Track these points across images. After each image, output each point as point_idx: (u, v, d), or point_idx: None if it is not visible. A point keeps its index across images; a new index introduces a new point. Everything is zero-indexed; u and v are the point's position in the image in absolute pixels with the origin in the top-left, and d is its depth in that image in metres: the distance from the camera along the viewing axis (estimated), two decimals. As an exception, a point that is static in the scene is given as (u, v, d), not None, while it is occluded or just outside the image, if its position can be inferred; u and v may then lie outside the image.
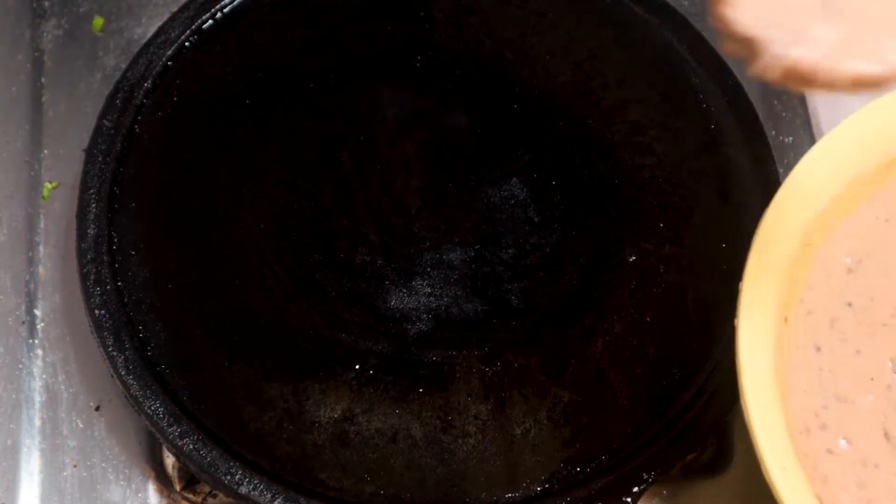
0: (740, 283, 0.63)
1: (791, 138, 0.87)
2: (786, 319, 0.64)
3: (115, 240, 0.75)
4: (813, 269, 0.67)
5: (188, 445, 0.68)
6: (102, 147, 0.77)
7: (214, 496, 0.74)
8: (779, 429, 0.59)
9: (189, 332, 0.72)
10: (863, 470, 0.61)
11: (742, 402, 0.60)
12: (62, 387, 0.76)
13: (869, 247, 0.68)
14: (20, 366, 0.77)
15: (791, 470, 0.58)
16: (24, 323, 0.78)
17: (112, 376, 0.71)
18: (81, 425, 0.75)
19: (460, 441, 0.70)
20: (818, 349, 0.65)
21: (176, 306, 0.73)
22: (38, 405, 0.76)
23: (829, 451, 0.62)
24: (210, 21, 0.83)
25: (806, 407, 0.63)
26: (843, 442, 0.62)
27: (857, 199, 0.68)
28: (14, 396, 0.76)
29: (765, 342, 0.61)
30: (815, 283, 0.66)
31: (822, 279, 0.67)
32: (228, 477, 0.67)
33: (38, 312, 0.79)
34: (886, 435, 0.62)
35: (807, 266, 0.66)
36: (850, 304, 0.66)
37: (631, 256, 0.76)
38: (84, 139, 0.79)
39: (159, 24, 0.83)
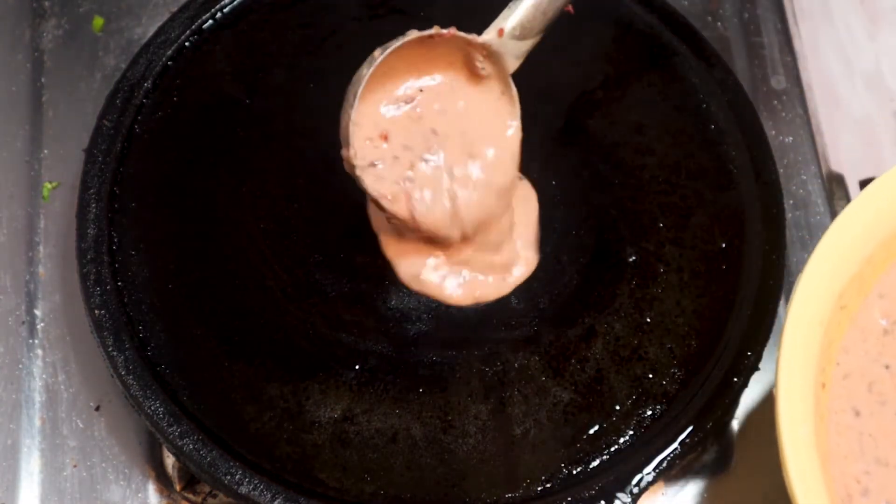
0: (778, 352, 0.62)
1: (791, 138, 0.87)
2: (823, 385, 0.64)
3: (115, 240, 0.75)
4: (848, 332, 0.66)
5: (188, 445, 0.68)
6: (102, 147, 0.77)
7: (214, 496, 0.74)
8: (821, 498, 0.58)
9: (189, 332, 0.72)
10: None
11: (784, 472, 0.59)
12: (62, 387, 0.76)
13: None
14: (20, 366, 0.77)
15: None
16: (24, 323, 0.78)
17: (112, 376, 0.71)
18: (81, 425, 0.75)
19: (460, 441, 0.70)
20: (857, 413, 0.64)
21: (176, 306, 0.73)
22: (38, 405, 0.76)
23: None
24: (210, 21, 0.83)
25: (847, 473, 0.63)
26: None
27: (889, 259, 0.68)
28: (14, 396, 0.76)
29: (804, 410, 0.61)
30: (851, 345, 0.66)
31: (857, 342, 0.66)
32: (228, 477, 0.67)
33: (38, 312, 0.79)
34: None
35: (841, 329, 0.66)
36: (887, 367, 0.66)
37: (631, 256, 0.76)
38: (84, 139, 0.79)
39: (159, 24, 0.83)
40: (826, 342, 0.64)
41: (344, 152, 0.71)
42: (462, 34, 0.71)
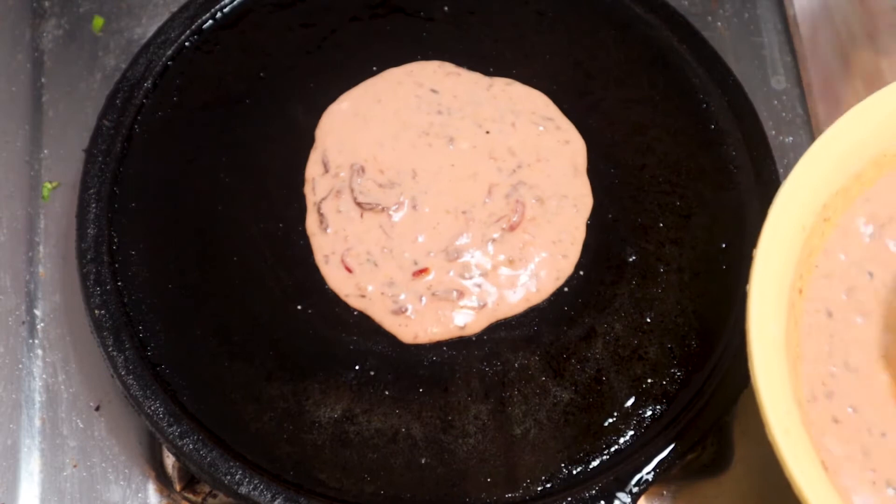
0: (754, 250, 0.61)
1: (791, 138, 0.87)
2: (800, 291, 0.63)
3: (115, 240, 0.75)
4: (831, 236, 0.66)
5: (188, 445, 0.68)
6: (102, 147, 0.77)
7: (214, 496, 0.74)
8: (785, 395, 0.58)
9: (189, 332, 0.72)
10: (868, 438, 0.61)
11: (750, 368, 0.59)
12: (62, 387, 0.76)
13: (891, 212, 0.66)
14: (20, 366, 0.77)
15: (795, 433, 0.58)
16: (24, 323, 0.78)
17: (112, 376, 0.71)
18: (81, 425, 0.75)
19: (460, 441, 0.70)
20: (830, 314, 0.64)
21: (176, 306, 0.73)
22: (38, 405, 0.76)
23: (835, 420, 0.61)
24: (210, 21, 0.83)
25: (813, 374, 0.62)
26: (849, 410, 0.62)
27: (878, 176, 0.67)
28: (14, 396, 0.76)
29: (776, 310, 0.60)
30: (832, 248, 0.65)
31: (839, 246, 0.65)
32: (228, 477, 0.67)
33: (38, 312, 0.79)
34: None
35: (824, 237, 0.65)
36: (870, 274, 0.65)
37: (631, 256, 0.76)
38: (84, 139, 0.79)
39: (159, 24, 0.83)
40: (807, 249, 0.63)
41: None
42: None
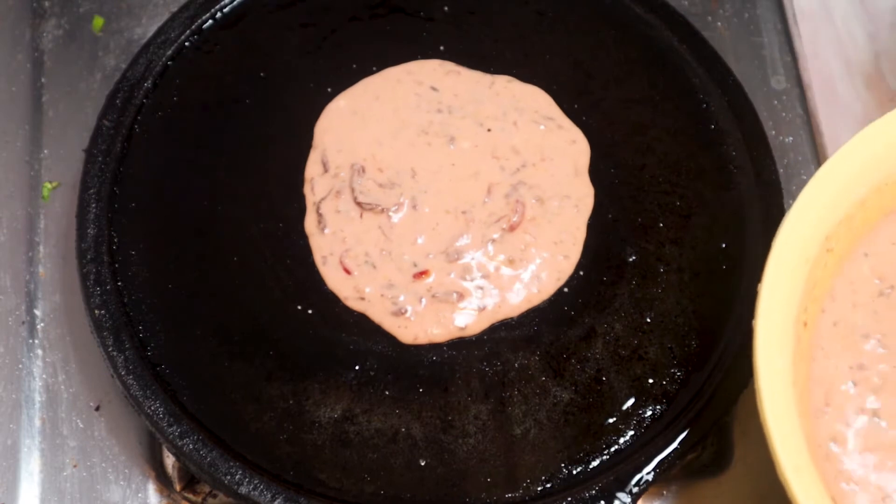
0: (759, 284, 0.62)
1: (791, 138, 0.87)
2: (805, 324, 0.63)
3: (115, 240, 0.75)
4: (836, 281, 0.66)
5: (188, 445, 0.68)
6: (102, 147, 0.77)
7: (214, 496, 0.74)
8: (794, 430, 0.58)
9: (189, 332, 0.72)
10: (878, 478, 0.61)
11: (758, 402, 0.58)
12: (62, 387, 0.76)
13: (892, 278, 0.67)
14: (20, 366, 0.77)
15: (805, 471, 0.58)
16: (24, 323, 0.78)
17: (112, 376, 0.71)
18: (81, 425, 0.75)
19: (460, 441, 0.70)
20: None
21: (176, 306, 0.73)
22: (38, 405, 0.76)
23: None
24: (210, 21, 0.83)
25: (826, 427, 0.62)
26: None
27: (882, 209, 0.67)
28: (14, 396, 0.76)
29: (782, 342, 0.60)
30: (839, 295, 0.66)
31: (847, 293, 0.66)
32: (228, 477, 0.67)
33: (38, 312, 0.79)
34: None
35: (828, 271, 0.65)
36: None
37: (631, 256, 0.76)
38: (84, 139, 0.79)
39: (159, 24, 0.83)
40: (811, 281, 0.63)
41: None
42: None
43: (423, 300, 0.73)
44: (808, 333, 0.64)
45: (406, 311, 0.73)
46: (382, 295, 0.73)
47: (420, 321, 0.73)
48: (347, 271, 0.74)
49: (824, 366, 0.64)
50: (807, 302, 0.63)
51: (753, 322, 0.61)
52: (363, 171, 0.77)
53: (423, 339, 0.72)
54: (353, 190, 0.77)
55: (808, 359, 0.64)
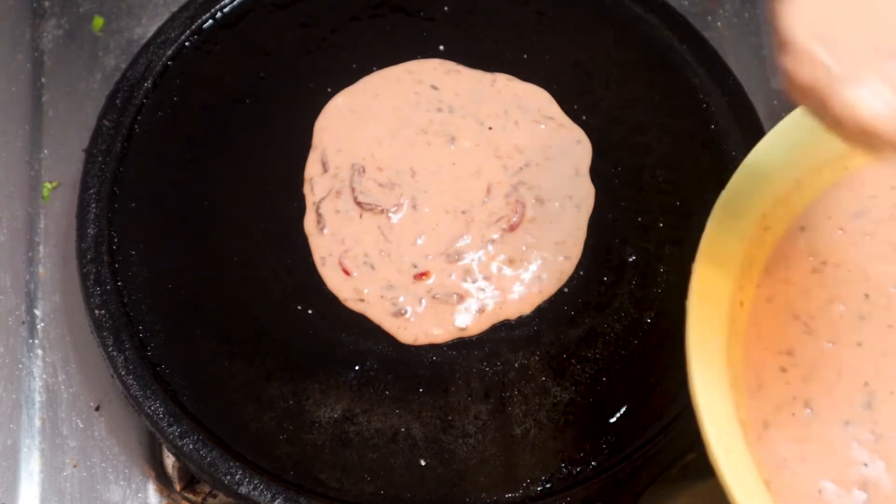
0: (692, 264, 0.60)
1: (791, 138, 0.87)
2: (741, 303, 0.63)
3: (115, 240, 0.75)
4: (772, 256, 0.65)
5: (188, 445, 0.68)
6: (102, 147, 0.77)
7: (214, 496, 0.74)
8: (728, 414, 0.58)
9: (189, 332, 0.72)
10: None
11: (690, 385, 0.57)
12: (62, 387, 0.76)
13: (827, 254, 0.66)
14: (20, 366, 0.77)
15: (736, 453, 0.57)
16: (24, 323, 0.78)
17: (112, 376, 0.71)
18: (81, 425, 0.75)
19: (460, 441, 0.70)
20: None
21: (176, 306, 0.73)
22: (38, 405, 0.76)
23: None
24: (210, 21, 0.83)
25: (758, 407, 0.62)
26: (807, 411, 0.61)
27: (820, 189, 0.66)
28: (14, 396, 0.76)
29: (717, 324, 0.59)
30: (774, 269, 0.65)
31: (781, 269, 0.65)
32: (228, 477, 0.67)
33: (38, 312, 0.79)
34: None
35: (765, 247, 0.64)
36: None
37: (631, 256, 0.76)
38: (84, 139, 0.79)
39: (159, 24, 0.83)
40: (747, 260, 0.63)
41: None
42: None
43: (424, 301, 0.73)
44: (745, 312, 0.63)
45: (406, 311, 0.73)
46: (382, 296, 0.73)
47: (420, 322, 0.73)
48: (347, 272, 0.74)
49: (756, 346, 0.63)
50: (743, 281, 0.63)
51: (686, 301, 0.59)
52: (363, 171, 0.77)
53: (423, 339, 0.72)
54: (353, 190, 0.77)
55: (742, 338, 0.63)
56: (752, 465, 0.57)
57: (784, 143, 0.65)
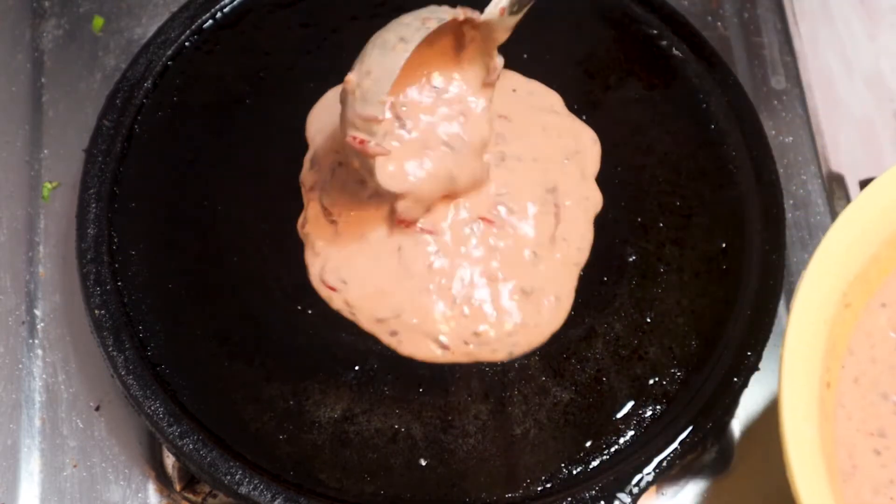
0: (781, 349, 0.61)
1: (791, 138, 0.87)
2: (828, 385, 0.63)
3: (115, 240, 0.75)
4: (854, 335, 0.65)
5: (188, 445, 0.68)
6: (102, 147, 0.77)
7: (214, 496, 0.74)
8: (827, 497, 0.58)
9: (189, 332, 0.72)
10: None
11: (788, 472, 0.58)
12: (62, 387, 0.76)
13: None
14: (20, 366, 0.77)
15: None
16: (24, 323, 0.78)
17: (112, 376, 0.71)
18: (81, 425, 0.75)
19: (460, 441, 0.70)
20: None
21: (176, 306, 0.73)
22: (38, 405, 0.76)
23: None
24: (210, 21, 0.83)
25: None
26: None
27: (894, 260, 0.67)
28: (14, 396, 0.76)
29: (808, 408, 0.60)
30: (857, 349, 0.65)
31: (865, 347, 0.65)
32: (228, 477, 0.67)
33: (38, 312, 0.79)
34: None
35: (847, 328, 0.65)
36: None
37: (631, 256, 0.76)
38: (84, 139, 0.79)
39: (159, 24, 0.83)
40: (831, 341, 0.63)
41: (354, 85, 0.67)
42: (477, 17, 0.70)
43: (416, 320, 0.73)
44: (832, 394, 0.64)
45: (398, 332, 0.72)
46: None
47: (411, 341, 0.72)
48: (332, 288, 0.73)
49: (846, 426, 0.63)
50: (829, 362, 0.63)
51: (778, 388, 0.60)
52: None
53: (422, 355, 0.72)
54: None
55: (831, 419, 0.63)
56: None
57: (858, 220, 0.65)
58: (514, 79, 0.81)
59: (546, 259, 0.74)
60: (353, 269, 0.73)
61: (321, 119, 0.79)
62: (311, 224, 0.75)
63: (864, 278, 0.65)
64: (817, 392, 0.61)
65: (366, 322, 0.72)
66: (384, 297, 0.72)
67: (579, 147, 0.79)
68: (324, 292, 0.73)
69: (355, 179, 0.74)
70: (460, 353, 0.71)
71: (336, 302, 0.73)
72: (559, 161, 0.77)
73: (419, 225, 0.73)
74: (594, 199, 0.77)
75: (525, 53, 0.83)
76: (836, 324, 0.63)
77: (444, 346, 0.71)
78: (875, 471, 0.62)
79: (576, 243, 0.75)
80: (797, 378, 0.60)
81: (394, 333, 0.72)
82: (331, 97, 0.80)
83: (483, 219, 0.74)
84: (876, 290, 0.67)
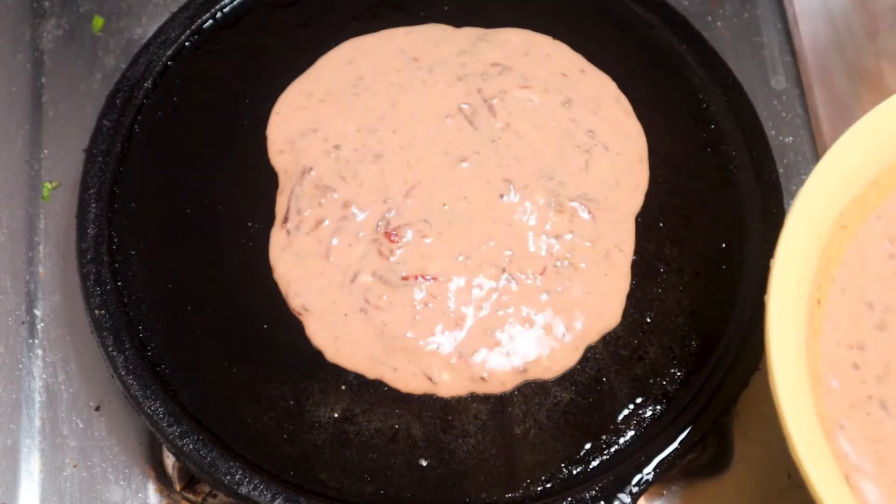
0: (772, 260, 0.60)
1: (791, 138, 0.87)
2: (819, 301, 0.62)
3: (115, 240, 0.75)
4: (849, 249, 0.65)
5: (188, 445, 0.68)
6: (102, 147, 0.77)
7: (214, 496, 0.74)
8: (808, 409, 0.57)
9: (189, 332, 0.72)
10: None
11: (770, 381, 0.57)
12: (62, 387, 0.76)
13: None
14: (20, 366, 0.77)
15: (818, 448, 0.57)
16: (24, 323, 0.78)
17: (112, 376, 0.71)
18: (81, 425, 0.75)
19: (460, 441, 0.70)
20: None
21: (176, 306, 0.73)
22: (38, 405, 0.76)
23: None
24: (210, 21, 0.83)
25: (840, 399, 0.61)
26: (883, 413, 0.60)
27: (894, 184, 0.66)
28: (14, 396, 0.76)
29: (796, 322, 0.59)
30: (849, 261, 0.65)
31: (857, 260, 0.65)
32: (228, 477, 0.67)
33: (38, 312, 0.79)
34: None
35: (842, 247, 0.64)
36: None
37: (631, 256, 0.76)
38: (84, 139, 0.79)
39: (159, 24, 0.83)
40: (825, 258, 0.62)
41: None
42: None
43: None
44: (822, 310, 0.63)
45: (397, 368, 0.72)
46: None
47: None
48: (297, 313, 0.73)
49: (831, 338, 0.63)
50: (820, 279, 0.62)
51: (766, 297, 0.59)
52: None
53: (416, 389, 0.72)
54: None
55: (818, 334, 0.63)
56: (832, 462, 0.57)
57: (860, 143, 0.64)
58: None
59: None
60: None
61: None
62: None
63: (863, 202, 0.65)
64: (806, 305, 0.60)
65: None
66: None
67: None
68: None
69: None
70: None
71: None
72: None
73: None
74: None
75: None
76: (831, 243, 0.63)
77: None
78: (854, 386, 0.62)
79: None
80: (786, 287, 0.60)
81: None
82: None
83: None
84: (874, 210, 0.66)
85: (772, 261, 0.61)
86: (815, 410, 0.58)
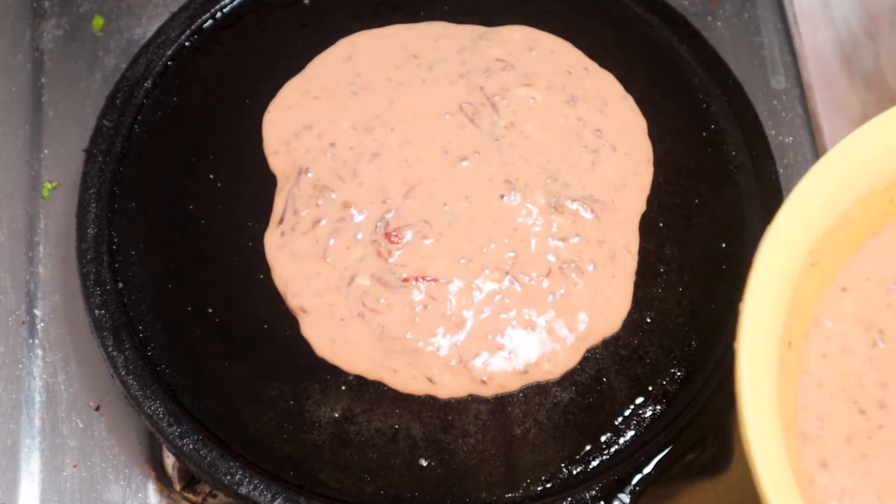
0: (740, 304, 0.59)
1: (791, 138, 0.87)
2: (789, 344, 0.61)
3: (115, 240, 0.75)
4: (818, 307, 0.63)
5: (188, 445, 0.68)
6: (102, 147, 0.78)
7: (214, 496, 0.74)
8: (782, 463, 0.56)
9: (189, 332, 0.72)
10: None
11: (742, 432, 0.56)
12: (62, 387, 0.76)
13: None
14: (20, 366, 0.77)
15: (791, 500, 0.56)
16: (24, 323, 0.78)
17: (112, 376, 0.71)
18: (81, 425, 0.75)
19: (460, 441, 0.70)
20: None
21: (176, 306, 0.73)
22: (38, 405, 0.76)
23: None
24: (210, 21, 0.83)
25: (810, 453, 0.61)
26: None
27: (867, 222, 0.65)
28: (14, 396, 0.76)
29: (768, 367, 0.57)
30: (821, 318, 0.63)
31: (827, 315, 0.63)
32: (228, 477, 0.67)
33: (38, 312, 0.79)
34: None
35: (813, 287, 0.63)
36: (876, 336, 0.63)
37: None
38: (84, 139, 0.79)
39: (159, 24, 0.83)
40: (796, 299, 0.61)
41: None
42: None
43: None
44: (794, 354, 0.62)
45: (397, 370, 0.72)
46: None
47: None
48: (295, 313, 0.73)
49: (816, 392, 0.62)
50: (791, 321, 0.61)
51: (735, 343, 0.57)
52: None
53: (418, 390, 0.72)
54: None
55: (793, 382, 0.61)
56: None
57: (829, 177, 0.63)
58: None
59: None
60: None
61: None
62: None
63: (833, 238, 0.63)
64: (777, 349, 0.59)
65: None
66: None
67: None
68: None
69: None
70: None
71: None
72: None
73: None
74: None
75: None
76: (801, 282, 0.61)
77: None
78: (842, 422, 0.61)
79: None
80: (757, 331, 0.58)
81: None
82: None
83: None
84: (844, 250, 0.64)
85: (740, 305, 0.59)
86: (788, 462, 0.57)
